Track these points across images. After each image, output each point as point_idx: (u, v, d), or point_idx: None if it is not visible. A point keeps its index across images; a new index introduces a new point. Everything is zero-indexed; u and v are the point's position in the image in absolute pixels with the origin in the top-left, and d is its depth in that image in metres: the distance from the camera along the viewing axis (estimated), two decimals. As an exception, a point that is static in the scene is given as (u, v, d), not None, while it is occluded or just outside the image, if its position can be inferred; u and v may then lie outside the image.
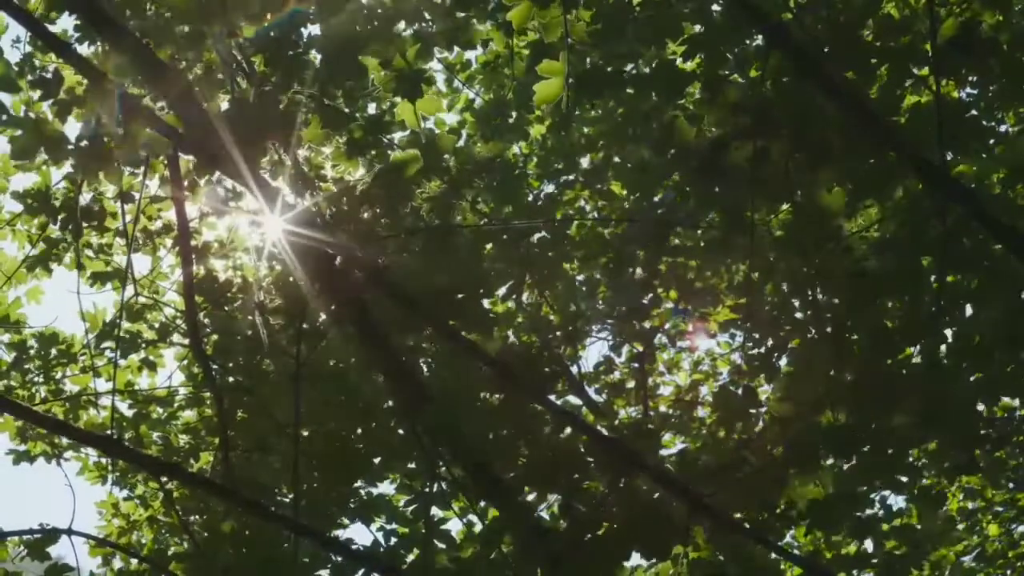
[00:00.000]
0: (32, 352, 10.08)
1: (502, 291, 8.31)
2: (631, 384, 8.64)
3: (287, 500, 8.48)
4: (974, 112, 6.95)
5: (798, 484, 6.93)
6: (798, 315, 7.48)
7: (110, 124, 7.69)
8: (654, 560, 7.54)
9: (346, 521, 8.50)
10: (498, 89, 8.40)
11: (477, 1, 7.48)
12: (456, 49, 7.77)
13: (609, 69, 7.51)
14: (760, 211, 7.29)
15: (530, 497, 7.69)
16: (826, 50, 6.67)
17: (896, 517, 7.84)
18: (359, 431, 8.19)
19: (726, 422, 7.20)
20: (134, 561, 9.30)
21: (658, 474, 7.33)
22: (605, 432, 7.88)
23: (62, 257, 9.39)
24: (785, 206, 7.40)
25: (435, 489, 7.91)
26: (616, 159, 8.20)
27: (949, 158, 6.72)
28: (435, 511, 7.92)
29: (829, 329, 7.08)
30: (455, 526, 8.33)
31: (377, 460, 8.24)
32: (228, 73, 7.71)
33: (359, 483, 8.48)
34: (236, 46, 7.50)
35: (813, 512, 6.88)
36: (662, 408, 8.83)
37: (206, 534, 8.88)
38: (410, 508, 8.12)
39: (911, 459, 7.00)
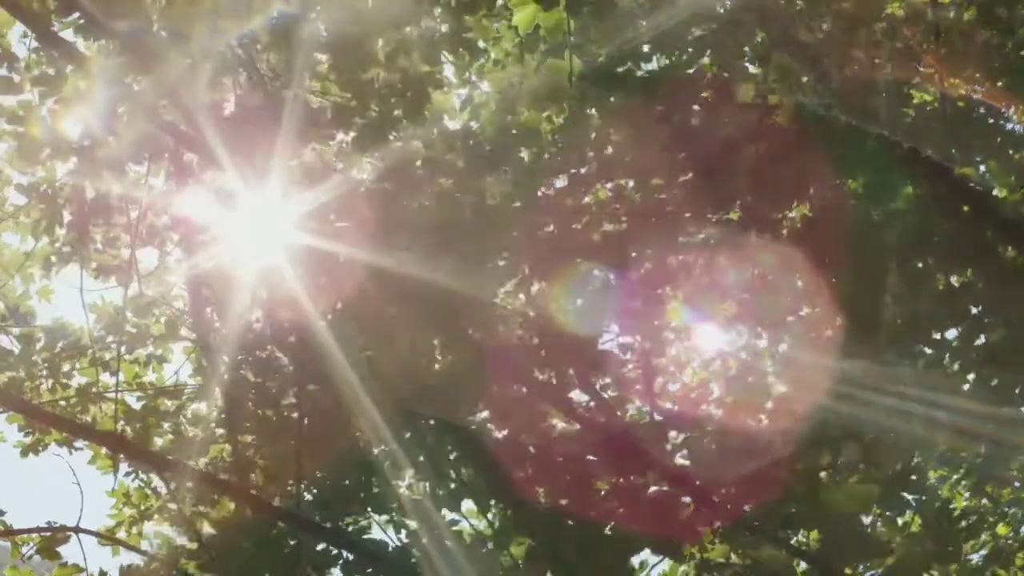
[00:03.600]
0: (40, 345, 10.05)
1: (509, 287, 8.28)
2: (638, 382, 8.60)
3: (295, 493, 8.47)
4: (981, 111, 6.92)
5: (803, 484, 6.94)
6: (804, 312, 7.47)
7: (112, 122, 7.70)
8: (664, 557, 7.53)
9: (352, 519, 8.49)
10: (508, 87, 8.36)
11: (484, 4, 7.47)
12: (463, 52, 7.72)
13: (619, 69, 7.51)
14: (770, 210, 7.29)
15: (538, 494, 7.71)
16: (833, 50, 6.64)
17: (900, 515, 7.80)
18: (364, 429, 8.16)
19: (733, 419, 7.20)
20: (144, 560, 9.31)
21: (667, 471, 7.34)
22: (614, 429, 7.89)
23: (67, 258, 9.36)
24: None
25: (442, 490, 7.91)
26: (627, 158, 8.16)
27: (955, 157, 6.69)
28: (445, 511, 7.92)
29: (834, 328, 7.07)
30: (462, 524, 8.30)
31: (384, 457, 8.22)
32: (232, 71, 7.69)
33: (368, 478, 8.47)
34: (240, 45, 7.45)
35: (818, 515, 6.89)
36: (669, 405, 8.79)
37: (214, 529, 8.89)
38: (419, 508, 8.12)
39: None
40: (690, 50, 7.23)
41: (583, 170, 8.22)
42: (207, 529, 8.84)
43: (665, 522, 7.28)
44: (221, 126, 7.42)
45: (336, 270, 7.74)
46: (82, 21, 7.75)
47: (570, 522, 7.59)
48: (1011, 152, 7.01)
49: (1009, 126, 7.13)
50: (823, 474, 7.32)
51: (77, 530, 8.25)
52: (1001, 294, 6.73)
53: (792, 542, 7.95)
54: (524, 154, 8.25)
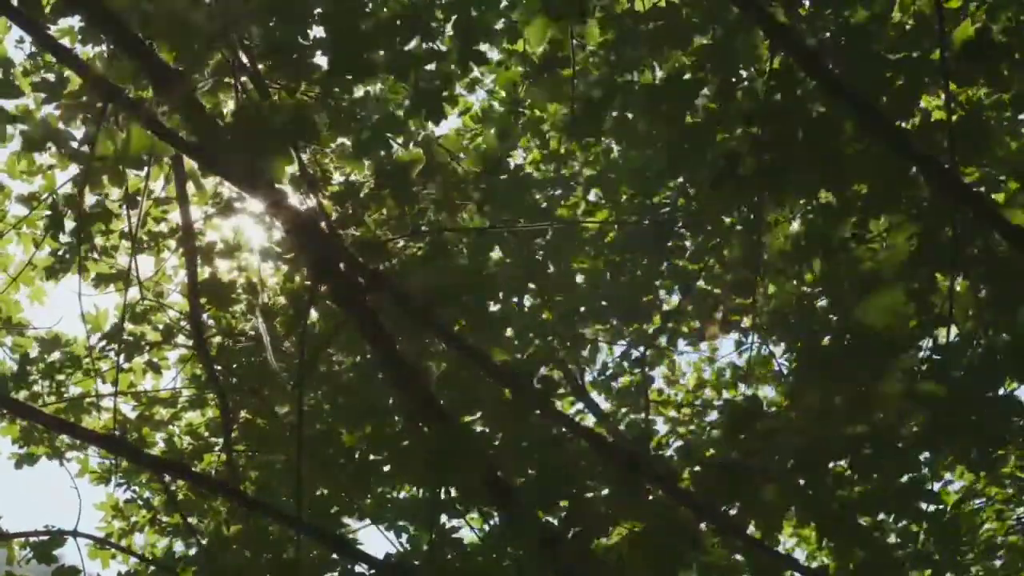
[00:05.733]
0: (35, 355, 10.04)
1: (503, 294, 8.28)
2: (635, 388, 8.61)
3: (290, 500, 8.43)
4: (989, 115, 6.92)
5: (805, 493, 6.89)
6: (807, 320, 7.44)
7: (112, 128, 7.67)
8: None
9: (350, 523, 8.45)
10: (510, 89, 8.39)
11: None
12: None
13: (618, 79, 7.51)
14: (772, 217, 7.27)
15: (538, 505, 7.65)
16: (837, 55, 6.64)
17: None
18: (365, 434, 8.13)
19: (733, 431, 7.16)
20: (136, 561, 9.28)
21: (665, 482, 7.30)
22: (610, 439, 7.85)
23: (68, 265, 9.36)
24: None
25: (443, 495, 7.86)
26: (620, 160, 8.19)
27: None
28: (444, 518, 7.86)
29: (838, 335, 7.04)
30: (463, 531, 8.26)
31: (383, 462, 8.18)
32: (233, 76, 7.67)
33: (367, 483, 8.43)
34: (240, 48, 7.43)
35: (821, 527, 6.85)
36: (671, 414, 8.79)
37: (208, 536, 8.87)
38: (419, 512, 8.08)
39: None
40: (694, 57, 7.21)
41: (580, 179, 8.26)
42: (205, 535, 8.83)
43: (664, 535, 7.23)
44: (221, 131, 7.39)
45: (334, 273, 7.71)
46: (82, 24, 7.76)
47: (570, 531, 7.55)
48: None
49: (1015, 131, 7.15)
50: (828, 483, 7.28)
51: (75, 534, 8.21)
52: (1006, 298, 6.71)
53: (795, 554, 7.96)
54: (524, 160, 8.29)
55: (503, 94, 8.48)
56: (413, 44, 7.46)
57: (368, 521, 8.27)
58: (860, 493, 6.92)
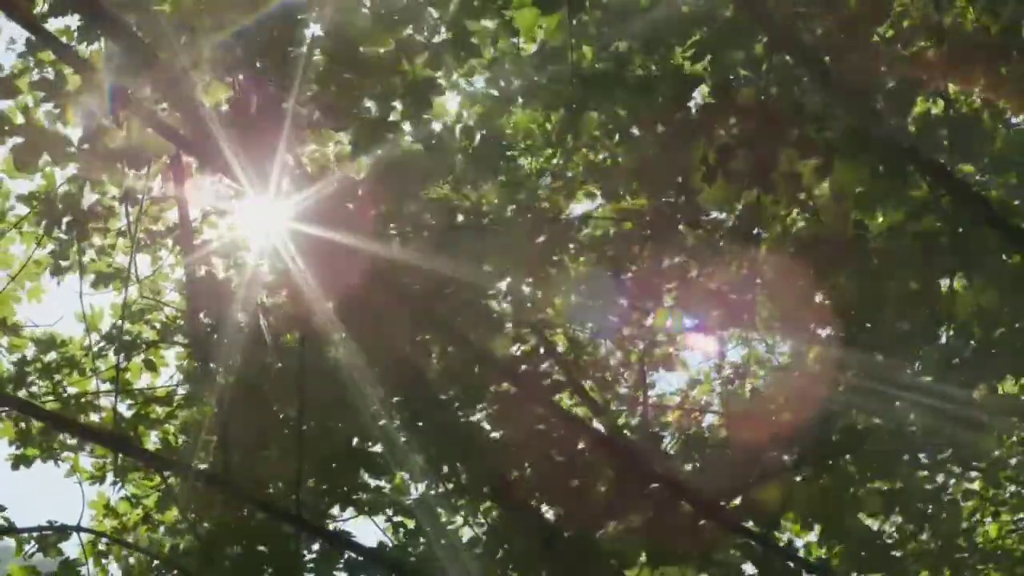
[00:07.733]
0: (31, 355, 10.03)
1: (502, 289, 8.29)
2: (632, 387, 8.61)
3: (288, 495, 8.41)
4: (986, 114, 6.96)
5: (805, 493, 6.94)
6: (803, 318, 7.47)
7: (111, 126, 7.68)
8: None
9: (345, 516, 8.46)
10: (504, 84, 8.38)
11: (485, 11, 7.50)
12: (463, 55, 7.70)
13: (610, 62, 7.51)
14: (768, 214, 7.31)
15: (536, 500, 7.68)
16: (835, 53, 6.68)
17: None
18: (362, 429, 8.14)
19: (732, 425, 7.20)
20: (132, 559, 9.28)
21: (666, 478, 7.34)
22: (606, 432, 7.88)
23: (67, 258, 9.36)
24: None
25: (440, 491, 7.89)
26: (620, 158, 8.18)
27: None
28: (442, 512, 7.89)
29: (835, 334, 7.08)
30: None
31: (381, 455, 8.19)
32: (230, 72, 7.68)
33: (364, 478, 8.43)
34: (236, 44, 7.44)
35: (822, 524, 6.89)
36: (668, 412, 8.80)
37: (208, 529, 8.85)
38: (415, 508, 8.09)
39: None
40: (691, 52, 7.23)
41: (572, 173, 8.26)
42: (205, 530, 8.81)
43: (665, 530, 7.26)
44: (218, 128, 7.41)
45: (333, 271, 7.73)
46: (80, 23, 7.75)
47: (568, 527, 7.56)
48: (1016, 157, 7.01)
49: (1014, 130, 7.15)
50: (825, 482, 7.32)
51: (79, 529, 8.23)
52: (1004, 298, 6.75)
53: (797, 551, 7.97)
54: (517, 156, 8.28)
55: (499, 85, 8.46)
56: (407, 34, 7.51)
57: (356, 513, 8.26)
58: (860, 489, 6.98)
